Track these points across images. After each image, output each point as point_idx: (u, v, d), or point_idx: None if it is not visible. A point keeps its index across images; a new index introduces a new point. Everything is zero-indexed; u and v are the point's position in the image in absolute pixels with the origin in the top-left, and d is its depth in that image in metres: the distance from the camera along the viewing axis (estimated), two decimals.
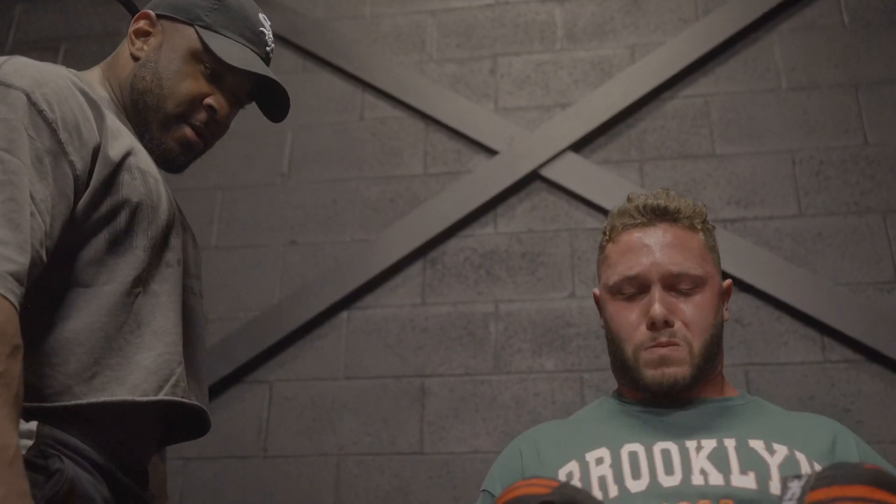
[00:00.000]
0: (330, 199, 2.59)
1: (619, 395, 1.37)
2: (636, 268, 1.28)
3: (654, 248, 1.28)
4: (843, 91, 2.49)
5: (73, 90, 1.13)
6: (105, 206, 1.12)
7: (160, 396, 1.12)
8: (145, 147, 1.27)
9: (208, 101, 1.28)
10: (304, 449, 2.32)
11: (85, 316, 1.09)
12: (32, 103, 1.06)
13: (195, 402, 1.19)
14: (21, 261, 0.97)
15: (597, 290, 1.40)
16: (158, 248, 1.19)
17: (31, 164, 1.03)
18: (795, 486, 0.93)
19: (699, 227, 1.32)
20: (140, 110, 1.27)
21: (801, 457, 1.16)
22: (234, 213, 2.62)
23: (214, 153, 2.66)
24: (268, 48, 1.38)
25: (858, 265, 2.30)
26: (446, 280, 2.45)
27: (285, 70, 2.76)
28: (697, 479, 1.14)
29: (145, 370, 1.11)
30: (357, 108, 2.70)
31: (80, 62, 2.84)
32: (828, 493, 0.87)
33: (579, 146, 2.52)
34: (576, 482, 1.19)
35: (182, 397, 1.15)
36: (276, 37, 2.78)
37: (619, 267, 1.30)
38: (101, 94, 1.26)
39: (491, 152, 2.56)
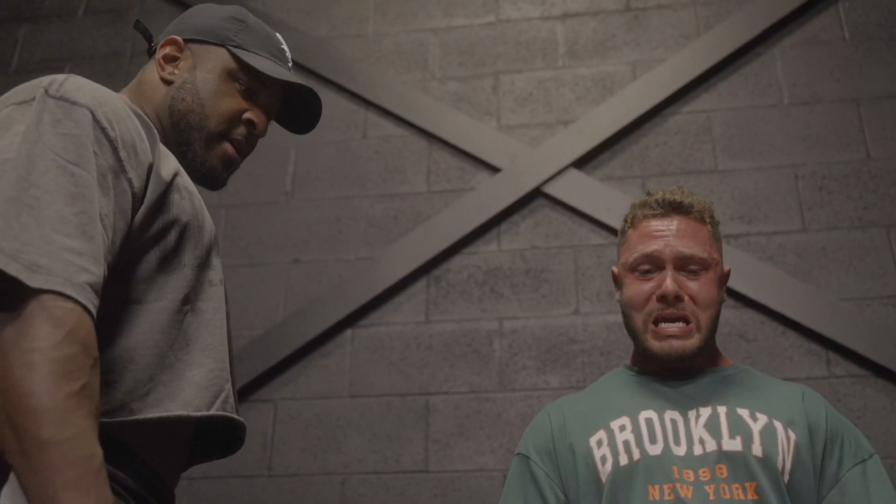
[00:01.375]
0: (333, 217, 2.60)
1: (630, 367, 1.57)
2: (653, 248, 1.46)
3: (668, 234, 1.48)
4: (844, 105, 2.50)
5: (128, 111, 1.15)
6: (157, 225, 1.14)
7: (212, 412, 1.13)
8: (186, 167, 1.30)
9: (247, 115, 1.32)
10: (309, 468, 2.31)
11: (138, 333, 1.10)
12: (96, 121, 1.08)
13: (241, 419, 1.20)
14: (97, 272, 0.99)
15: (615, 269, 1.57)
16: (203, 267, 1.21)
17: (98, 180, 1.04)
18: None
19: (707, 221, 1.53)
20: (182, 131, 1.30)
21: (777, 424, 1.39)
22: (238, 230, 2.63)
23: None
24: (289, 63, 1.42)
25: (862, 280, 2.30)
26: (450, 297, 2.45)
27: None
28: (698, 450, 1.37)
29: (196, 386, 1.13)
30: (360, 127, 2.71)
31: None
32: None
33: (582, 163, 2.53)
34: (605, 447, 1.41)
35: (231, 413, 1.17)
36: None
37: (639, 247, 1.49)
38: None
39: (494, 169, 2.56)
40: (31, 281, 0.92)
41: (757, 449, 1.35)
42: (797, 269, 2.33)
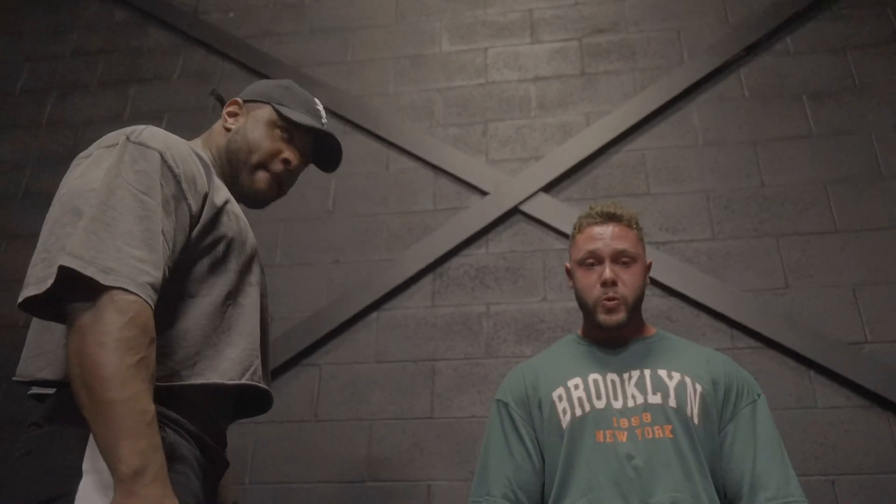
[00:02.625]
0: (364, 229, 2.61)
1: (581, 338, 1.59)
2: (595, 247, 1.51)
3: (606, 236, 1.52)
4: (744, 146, 2.51)
5: (191, 153, 1.18)
6: (209, 239, 1.16)
7: (242, 381, 1.15)
8: (236, 193, 1.34)
9: (283, 155, 1.35)
10: (345, 415, 2.33)
11: (191, 319, 1.12)
12: (164, 160, 1.10)
13: (266, 387, 1.23)
14: (156, 275, 1.01)
15: (568, 265, 1.61)
16: (245, 272, 1.22)
17: (162, 204, 1.06)
18: None
19: (634, 227, 1.57)
20: (233, 165, 1.33)
21: (688, 380, 1.43)
22: (293, 238, 2.65)
23: None
24: (323, 120, 1.45)
25: (758, 275, 2.31)
26: (450, 288, 2.46)
27: (332, 133, 2.79)
28: (630, 403, 1.42)
29: (232, 361, 1.14)
30: (384, 161, 2.73)
31: (178, 130, 2.89)
32: None
33: (549, 188, 2.54)
34: (564, 401, 1.45)
35: (258, 382, 1.19)
36: (324, 109, 2.82)
37: (585, 246, 1.53)
38: (206, 157, 1.31)
39: (483, 193, 2.58)
40: (104, 280, 0.95)
41: (672, 401, 1.40)
42: (708, 267, 2.35)
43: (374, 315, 2.46)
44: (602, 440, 1.38)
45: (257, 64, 2.95)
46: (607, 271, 1.48)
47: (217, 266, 1.17)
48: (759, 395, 1.46)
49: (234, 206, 1.24)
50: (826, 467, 2.02)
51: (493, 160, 2.65)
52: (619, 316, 1.48)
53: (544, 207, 2.49)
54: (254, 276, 1.25)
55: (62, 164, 2.94)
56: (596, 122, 2.62)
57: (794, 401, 2.11)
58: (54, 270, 0.96)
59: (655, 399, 1.41)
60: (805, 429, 2.08)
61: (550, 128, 2.67)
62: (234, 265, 1.19)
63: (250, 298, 1.22)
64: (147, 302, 0.98)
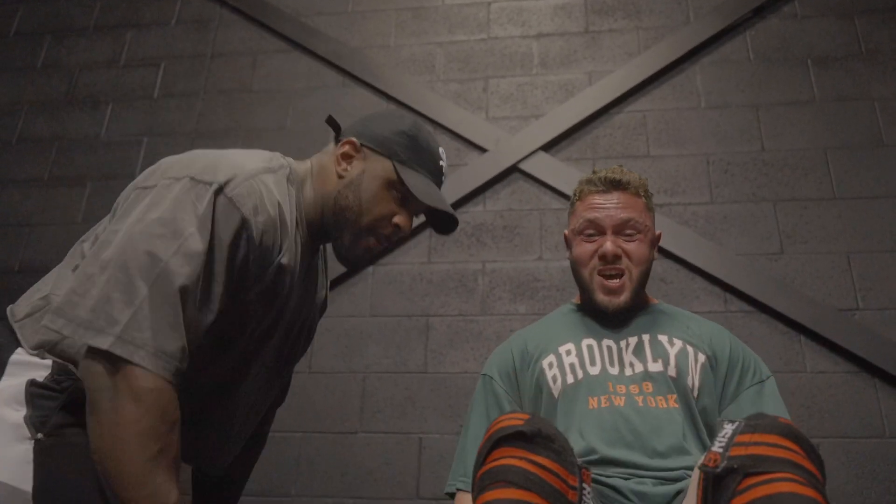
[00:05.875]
0: None
1: (578, 306, 1.49)
2: (595, 216, 1.39)
3: (609, 206, 1.40)
4: (747, 110, 2.49)
5: (276, 222, 1.07)
6: (232, 314, 1.07)
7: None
8: (335, 249, 1.21)
9: (396, 220, 1.19)
10: (340, 367, 2.34)
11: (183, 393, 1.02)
12: (245, 228, 1.02)
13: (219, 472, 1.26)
14: (183, 361, 0.96)
15: (566, 232, 1.50)
16: (259, 349, 1.16)
17: (214, 275, 1.00)
18: (728, 429, 0.98)
19: (642, 194, 1.44)
20: (339, 222, 1.18)
21: (689, 348, 1.33)
22: None
23: (275, 147, 2.65)
24: (443, 177, 1.27)
25: (753, 240, 2.30)
26: (447, 245, 2.45)
27: (330, 86, 2.75)
28: (628, 370, 1.32)
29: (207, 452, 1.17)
30: None
31: (175, 78, 2.82)
32: (751, 437, 0.96)
33: (548, 147, 2.52)
34: (555, 368, 1.34)
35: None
36: (322, 60, 2.77)
37: (585, 215, 1.41)
38: (293, 208, 1.16)
39: (482, 150, 2.55)
40: (154, 367, 0.91)
41: (672, 371, 1.31)
42: (705, 230, 2.34)
43: (370, 269, 2.45)
44: (595, 406, 1.28)
45: (256, 12, 2.88)
46: (608, 244, 1.37)
47: (223, 344, 1.08)
48: (767, 377, 1.35)
49: (293, 272, 1.12)
50: (812, 431, 2.05)
51: (493, 117, 2.61)
52: (622, 298, 1.37)
53: (543, 166, 2.47)
54: (269, 354, 1.17)
55: (57, 108, 2.89)
56: (598, 81, 2.58)
57: (783, 364, 2.13)
58: (98, 338, 0.89)
59: (656, 367, 1.31)
60: (793, 392, 2.10)
61: (552, 86, 2.63)
62: (242, 344, 1.10)
63: (256, 381, 1.17)
64: (171, 381, 0.93)
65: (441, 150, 1.26)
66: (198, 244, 0.95)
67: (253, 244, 1.02)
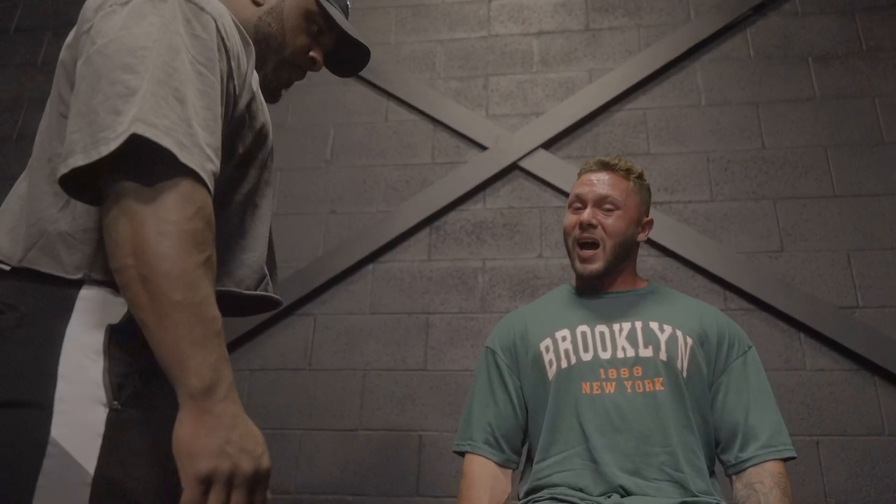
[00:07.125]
0: (361, 180, 2.59)
1: (573, 287, 1.58)
2: (581, 191, 1.53)
3: (595, 182, 1.53)
4: (747, 108, 2.48)
5: (234, 25, 0.99)
6: (241, 130, 0.99)
7: (257, 292, 1.03)
8: None
9: (312, 54, 1.18)
10: (339, 365, 2.33)
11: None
12: (218, 30, 0.92)
13: (278, 297, 1.10)
14: (217, 165, 0.85)
15: None
16: (264, 168, 1.06)
17: (219, 83, 0.90)
18: None
19: (630, 178, 1.54)
20: (261, 51, 1.12)
21: (679, 333, 1.42)
22: (290, 188, 2.62)
23: (276, 144, 2.65)
24: (349, 9, 1.28)
25: (753, 238, 2.30)
26: (446, 242, 2.45)
27: (330, 82, 2.75)
28: (620, 354, 1.40)
29: (248, 268, 1.01)
30: (383, 112, 2.69)
31: None
32: None
33: (549, 145, 2.51)
34: (551, 352, 1.45)
35: (272, 293, 1.07)
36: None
37: (575, 191, 1.55)
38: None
39: (482, 148, 2.55)
40: (181, 156, 0.79)
41: (663, 355, 1.40)
42: (705, 229, 2.33)
43: (369, 267, 2.44)
44: (588, 392, 1.38)
45: None
46: (587, 212, 1.49)
47: (243, 162, 1.01)
48: (749, 347, 1.47)
49: (260, 93, 1.07)
50: (811, 428, 2.05)
51: (493, 115, 2.60)
52: (595, 265, 1.48)
53: (543, 164, 2.46)
54: (269, 173, 1.08)
55: None
56: (598, 79, 2.58)
57: (783, 362, 2.12)
58: (110, 135, 0.77)
59: (647, 352, 1.40)
60: (792, 390, 2.09)
61: (552, 84, 2.62)
62: (258, 161, 1.03)
63: (266, 199, 1.07)
64: (211, 193, 0.82)
65: None
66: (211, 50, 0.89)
67: (231, 46, 0.95)
